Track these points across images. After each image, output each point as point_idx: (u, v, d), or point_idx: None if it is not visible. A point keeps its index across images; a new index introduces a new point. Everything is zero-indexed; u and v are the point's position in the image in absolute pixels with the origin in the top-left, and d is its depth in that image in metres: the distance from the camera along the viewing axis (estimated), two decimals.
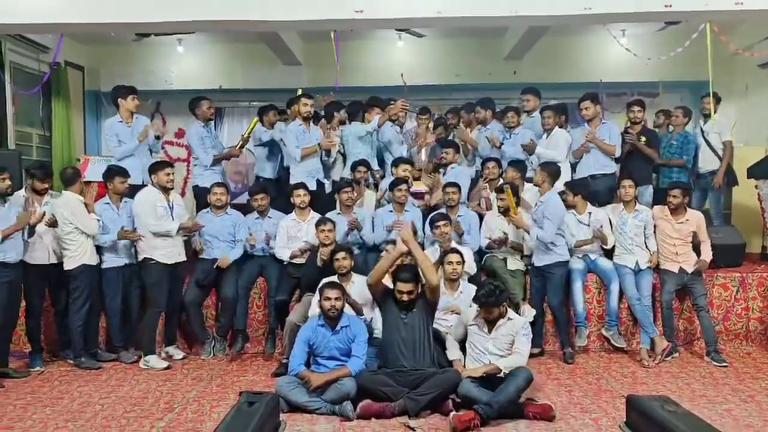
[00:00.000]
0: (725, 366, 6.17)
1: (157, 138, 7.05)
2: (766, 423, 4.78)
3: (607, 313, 6.67)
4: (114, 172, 6.39)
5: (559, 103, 8.38)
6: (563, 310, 6.45)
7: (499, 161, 7.24)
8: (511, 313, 5.20)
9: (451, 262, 5.79)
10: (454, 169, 7.33)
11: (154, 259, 6.30)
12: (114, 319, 6.36)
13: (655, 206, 6.78)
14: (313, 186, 7.18)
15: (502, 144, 7.57)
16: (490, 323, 5.13)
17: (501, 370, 4.92)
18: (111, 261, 6.34)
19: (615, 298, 6.58)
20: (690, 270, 6.46)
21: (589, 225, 6.55)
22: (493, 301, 4.99)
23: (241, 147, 7.62)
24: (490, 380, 4.93)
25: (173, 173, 6.46)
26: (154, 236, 6.29)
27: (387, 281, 5.39)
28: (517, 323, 5.15)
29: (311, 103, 7.22)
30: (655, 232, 6.58)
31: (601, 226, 6.52)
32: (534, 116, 7.76)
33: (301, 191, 6.80)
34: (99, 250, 6.30)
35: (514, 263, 6.63)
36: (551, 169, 6.38)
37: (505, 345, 5.12)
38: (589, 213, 6.68)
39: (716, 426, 4.28)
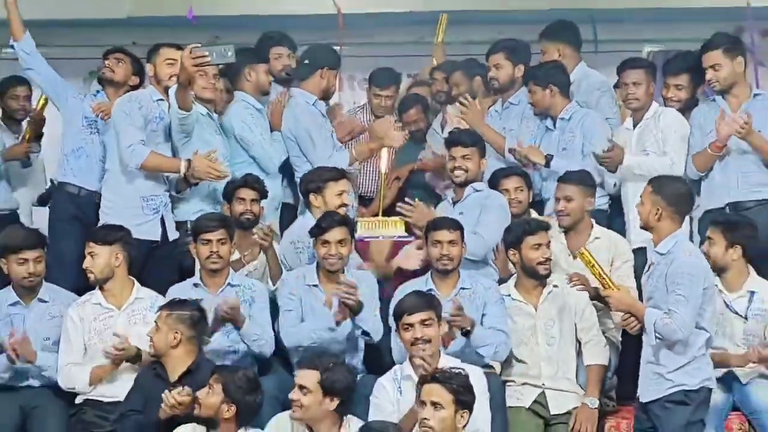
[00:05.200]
0: None
1: None
2: None
3: None
4: None
5: (661, 51, 7.67)
6: None
7: (528, 177, 6.00)
8: None
9: (437, 405, 4.29)
10: (479, 193, 5.87)
11: None
12: None
13: None
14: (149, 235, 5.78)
15: (549, 160, 6.08)
16: None
17: None
18: None
19: None
20: None
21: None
22: None
23: (30, 140, 6.47)
24: None
25: None
26: None
27: None
28: None
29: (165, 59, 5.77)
30: None
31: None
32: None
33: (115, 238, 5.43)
34: None
35: (560, 402, 5.28)
36: (673, 189, 5.11)
37: None
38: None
39: None
